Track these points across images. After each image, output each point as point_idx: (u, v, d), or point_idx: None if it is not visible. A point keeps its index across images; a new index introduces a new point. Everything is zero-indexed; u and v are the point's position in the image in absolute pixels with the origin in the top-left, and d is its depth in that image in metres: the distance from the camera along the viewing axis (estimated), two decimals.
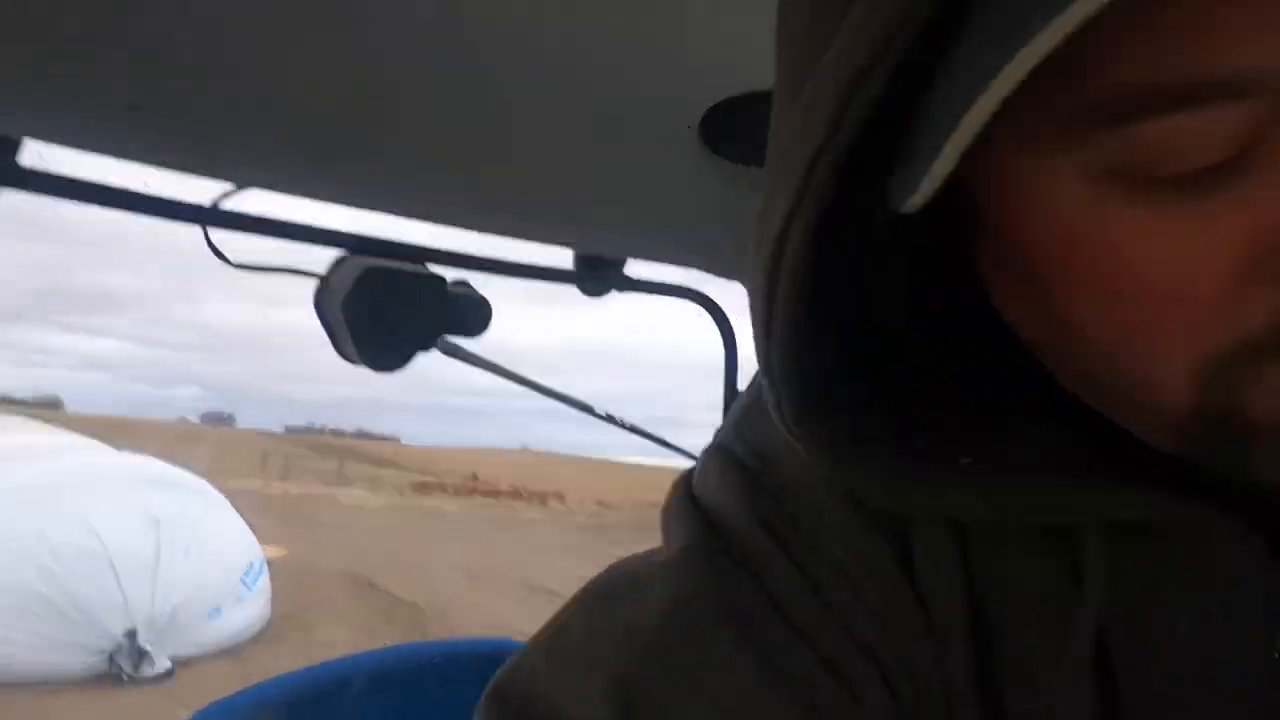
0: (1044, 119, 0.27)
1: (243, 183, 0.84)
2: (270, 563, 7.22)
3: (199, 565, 6.27)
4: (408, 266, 0.94)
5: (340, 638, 6.56)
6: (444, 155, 0.82)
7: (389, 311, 0.92)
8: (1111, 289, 0.29)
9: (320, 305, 0.90)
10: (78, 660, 5.51)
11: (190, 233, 0.85)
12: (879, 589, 0.37)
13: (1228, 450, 0.31)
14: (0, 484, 5.93)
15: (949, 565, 0.37)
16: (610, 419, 1.22)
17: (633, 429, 1.24)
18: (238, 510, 7.30)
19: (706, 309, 1.21)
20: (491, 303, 1.05)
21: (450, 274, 1.02)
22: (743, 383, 1.06)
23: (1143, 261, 0.28)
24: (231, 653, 6.21)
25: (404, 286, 0.93)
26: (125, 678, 5.60)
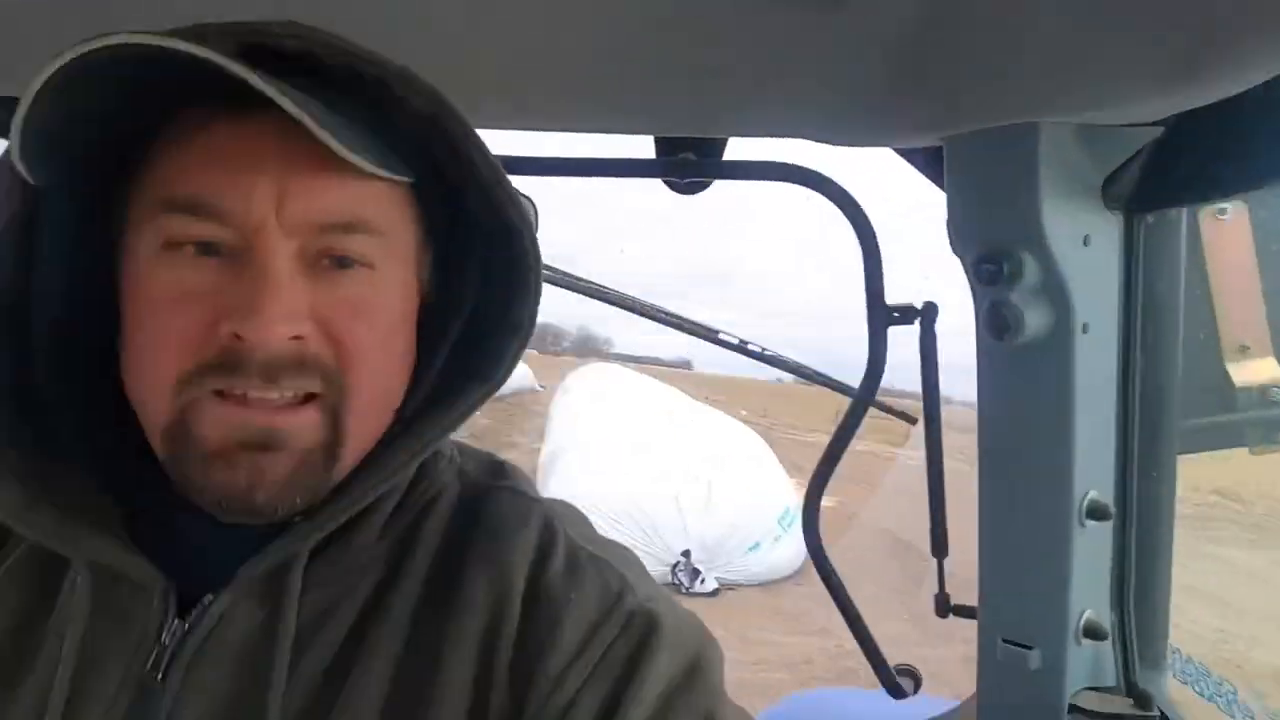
0: (141, 211, 0.48)
1: None
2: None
3: (744, 504, 7.10)
4: None
5: (865, 593, 6.64)
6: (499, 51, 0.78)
7: None
8: (152, 321, 0.48)
9: None
10: (649, 567, 6.83)
11: None
12: None
13: (186, 460, 0.48)
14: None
15: None
16: (745, 348, 0.96)
17: (774, 359, 0.96)
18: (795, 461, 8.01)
19: (821, 190, 0.85)
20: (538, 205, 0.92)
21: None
22: (890, 279, 0.78)
23: (174, 299, 0.47)
24: (766, 586, 6.85)
25: None
26: (683, 589, 6.63)
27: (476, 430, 14.23)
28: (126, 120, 0.48)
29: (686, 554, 6.70)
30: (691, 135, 0.90)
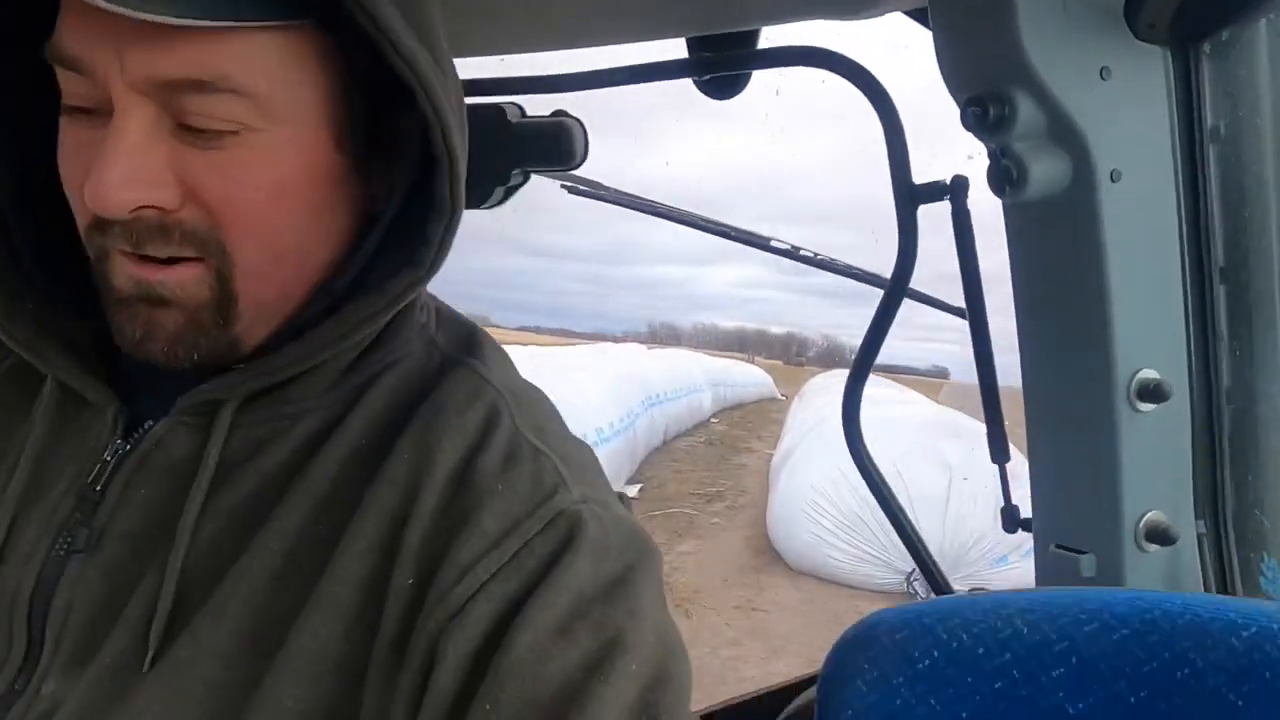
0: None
1: None
2: None
3: (987, 512, 6.54)
4: (473, 104, 0.97)
5: None
6: None
7: None
8: (62, 174, 0.47)
9: None
10: (882, 574, 6.50)
11: None
12: None
13: (106, 303, 0.48)
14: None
15: None
16: (797, 253, 0.91)
17: (827, 263, 0.90)
18: None
19: (839, 70, 0.80)
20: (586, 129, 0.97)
21: (543, 105, 0.99)
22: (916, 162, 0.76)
23: (66, 157, 0.47)
24: None
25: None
26: (918, 597, 6.27)
27: (714, 435, 14.47)
28: None
29: None
30: (718, 32, 0.90)
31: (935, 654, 0.52)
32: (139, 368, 0.52)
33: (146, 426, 0.53)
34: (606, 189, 1.05)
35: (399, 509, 0.50)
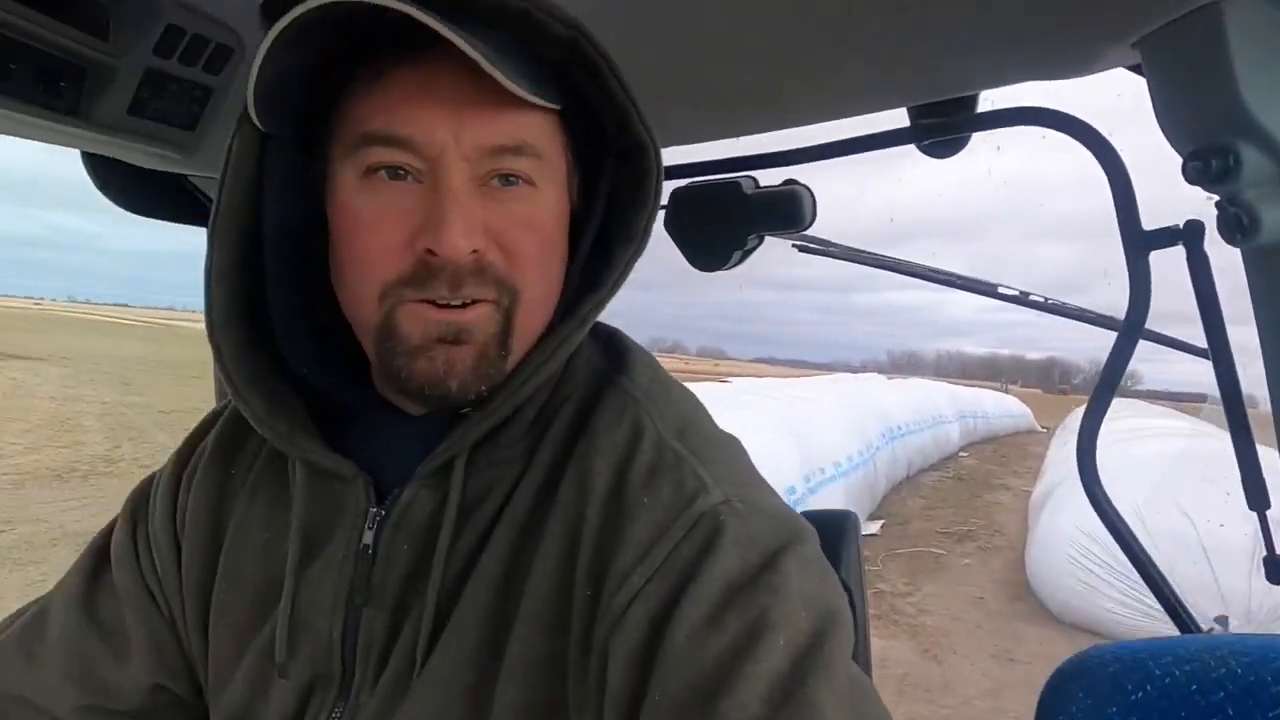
0: (342, 146, 0.56)
1: None
2: None
3: None
4: (713, 180, 1.11)
5: None
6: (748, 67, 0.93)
7: (698, 222, 1.12)
8: (358, 238, 0.55)
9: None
10: (1168, 630, 5.70)
11: None
12: None
13: (393, 353, 0.55)
14: (1121, 459, 6.70)
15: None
16: (1026, 299, 0.92)
17: (1058, 308, 0.89)
18: None
19: (1064, 128, 0.82)
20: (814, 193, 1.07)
21: (774, 176, 1.10)
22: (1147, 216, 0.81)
23: (374, 220, 0.54)
24: None
25: (706, 198, 1.11)
26: None
27: (963, 470, 13.53)
28: (327, 74, 0.57)
29: (1222, 621, 5.45)
30: (938, 100, 0.96)
31: (1148, 687, 0.55)
32: (379, 437, 0.63)
33: (395, 493, 0.61)
34: (835, 245, 1.14)
35: (572, 529, 0.57)
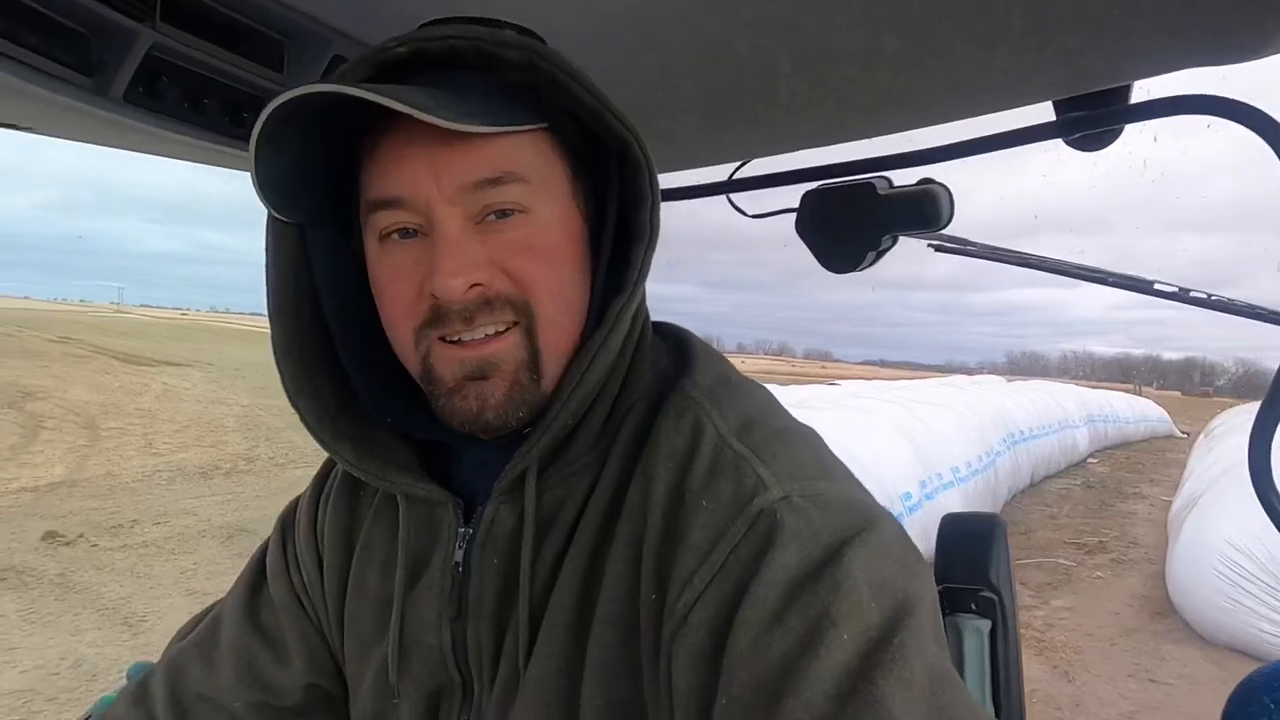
0: (362, 215, 0.61)
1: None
2: None
3: None
4: (845, 181, 1.10)
5: None
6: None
7: (830, 223, 1.11)
8: (385, 296, 0.60)
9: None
10: None
11: None
12: None
13: (435, 395, 0.60)
14: None
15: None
16: (1186, 295, 0.86)
17: (1224, 304, 0.83)
18: None
19: (1233, 115, 0.77)
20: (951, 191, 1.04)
21: (910, 176, 1.08)
22: None
23: (391, 278, 0.59)
24: None
25: (837, 199, 1.10)
26: None
27: (1093, 478, 12.75)
28: (336, 154, 0.61)
29: None
30: (1087, 92, 0.92)
31: None
32: (460, 461, 0.68)
33: (479, 512, 0.64)
34: (973, 244, 1.10)
35: (637, 534, 0.58)
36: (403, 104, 0.50)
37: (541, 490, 0.63)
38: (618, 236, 0.63)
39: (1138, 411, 19.48)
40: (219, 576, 6.14)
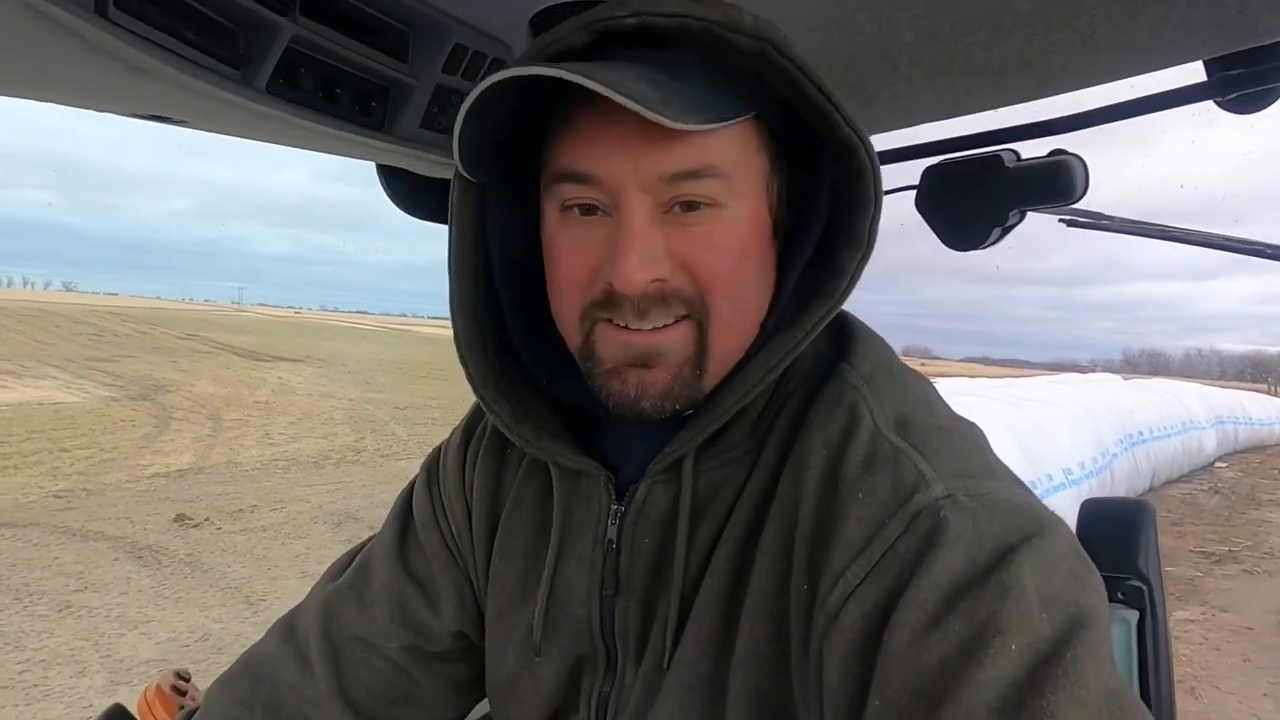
0: (545, 183, 0.60)
1: None
2: None
3: None
4: (969, 155, 1.06)
5: None
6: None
7: (954, 199, 1.07)
8: (557, 269, 0.59)
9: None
10: None
11: None
12: None
13: (593, 374, 0.59)
14: None
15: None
16: None
17: None
18: None
19: None
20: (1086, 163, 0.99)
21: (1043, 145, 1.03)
22: None
23: (567, 252, 0.58)
24: None
25: (961, 174, 1.06)
26: None
27: (1221, 483, 11.89)
28: (534, 121, 0.60)
29: None
30: (1244, 49, 0.85)
31: None
32: (613, 437, 0.67)
33: (632, 489, 0.64)
34: (1109, 218, 1.03)
35: (789, 524, 0.57)
36: (630, 99, 0.48)
37: (698, 474, 0.62)
38: (823, 236, 0.61)
39: (1273, 413, 18.04)
40: (330, 561, 6.45)
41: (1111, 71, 0.94)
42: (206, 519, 7.34)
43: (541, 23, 1.01)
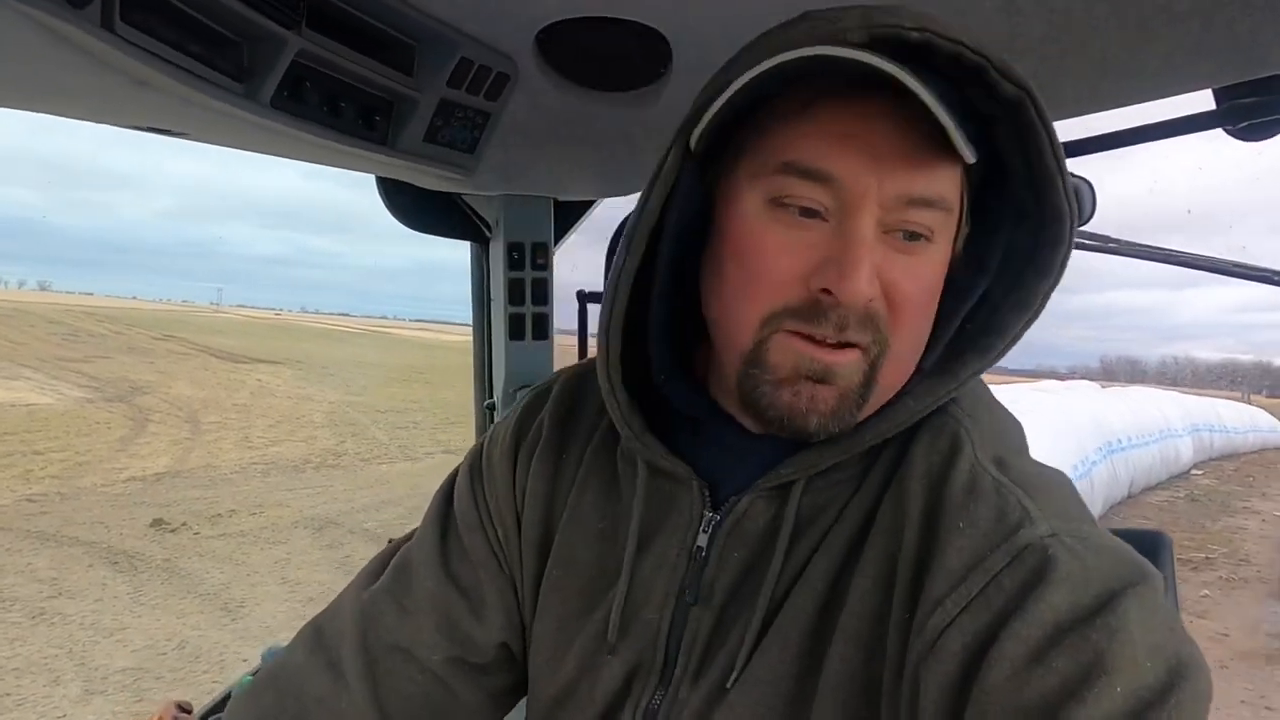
0: (751, 168, 0.55)
1: None
2: None
3: None
4: None
5: None
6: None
7: None
8: (752, 264, 0.55)
9: None
10: None
11: None
12: None
13: (758, 380, 0.56)
14: None
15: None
16: None
17: None
18: None
19: None
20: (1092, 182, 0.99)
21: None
22: None
23: (774, 250, 0.54)
24: None
25: None
26: None
27: (1197, 490, 12.07)
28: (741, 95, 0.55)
29: None
30: (1253, 78, 0.85)
31: None
32: (715, 446, 0.65)
33: (732, 501, 0.62)
34: (1116, 241, 1.04)
35: (890, 550, 0.56)
36: (935, 102, 0.46)
37: (803, 496, 0.61)
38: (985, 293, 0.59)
39: (1247, 421, 18.34)
40: (311, 567, 6.38)
41: (1123, 97, 0.94)
42: (184, 523, 7.25)
43: (549, 38, 1.00)
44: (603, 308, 0.62)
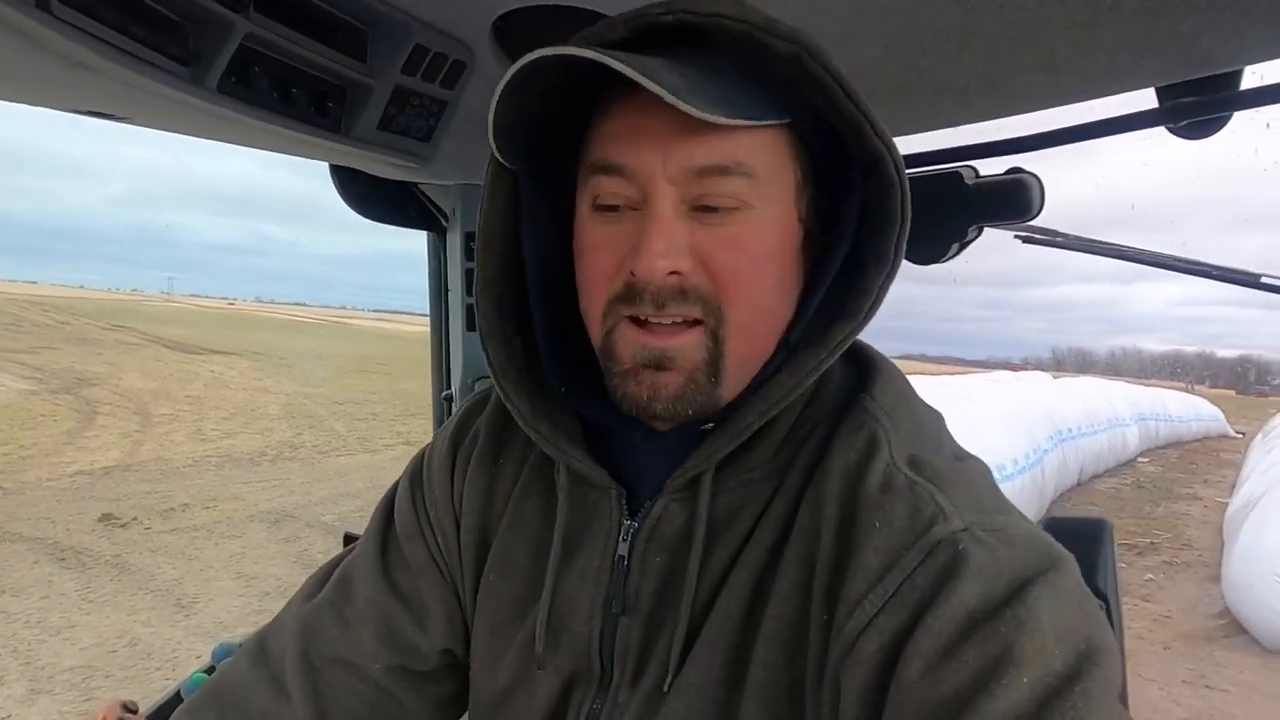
0: (581, 174, 0.60)
1: None
2: None
3: None
4: (931, 171, 1.07)
5: None
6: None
7: (914, 214, 1.08)
8: (585, 262, 0.59)
9: None
10: None
11: None
12: None
13: (610, 373, 0.59)
14: None
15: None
16: None
17: None
18: None
19: None
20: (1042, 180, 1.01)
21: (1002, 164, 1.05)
22: None
23: (596, 246, 0.58)
24: None
25: (922, 189, 1.07)
26: None
27: (1143, 477, 12.45)
28: (572, 114, 0.60)
29: None
30: (1194, 77, 0.88)
31: None
32: (626, 451, 0.65)
33: (647, 506, 0.63)
34: (1064, 235, 1.06)
35: (809, 552, 0.56)
36: (656, 84, 0.48)
37: (716, 493, 0.61)
38: (854, 256, 0.60)
39: (1190, 410, 18.93)
40: (267, 561, 6.27)
41: (1071, 93, 0.96)
42: (135, 518, 7.07)
43: (505, 26, 0.98)
44: (479, 318, 0.65)
